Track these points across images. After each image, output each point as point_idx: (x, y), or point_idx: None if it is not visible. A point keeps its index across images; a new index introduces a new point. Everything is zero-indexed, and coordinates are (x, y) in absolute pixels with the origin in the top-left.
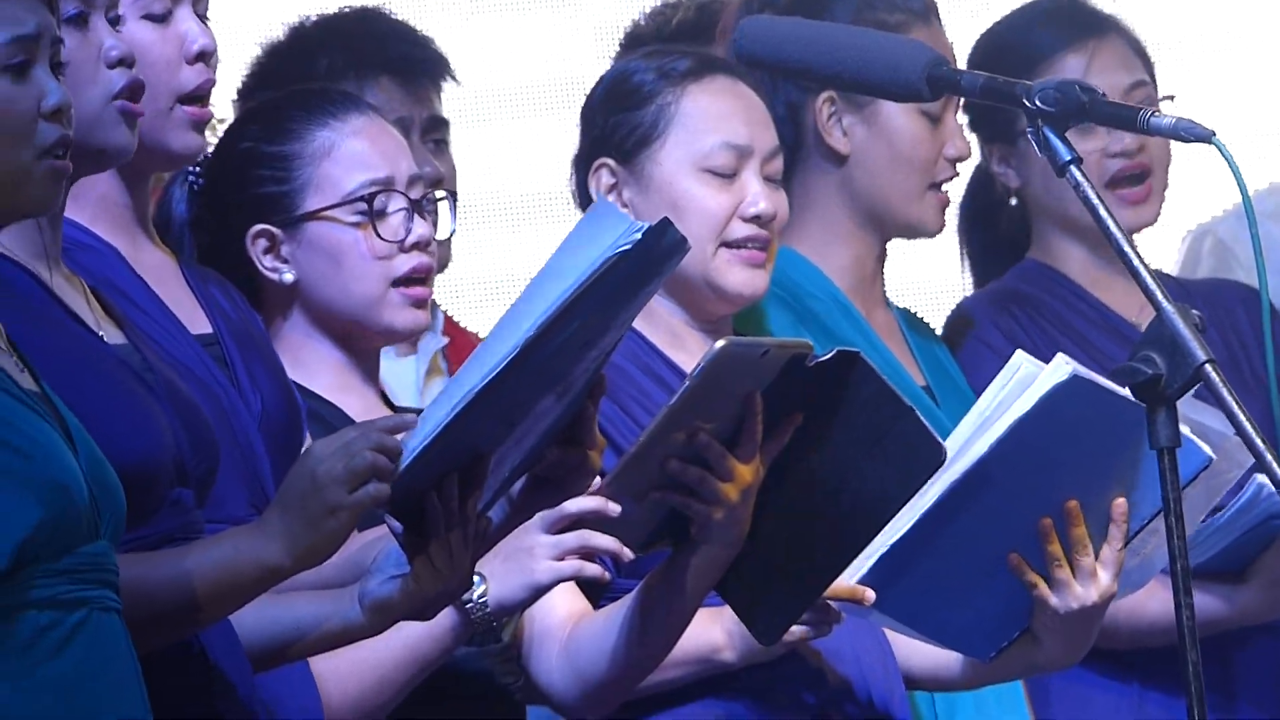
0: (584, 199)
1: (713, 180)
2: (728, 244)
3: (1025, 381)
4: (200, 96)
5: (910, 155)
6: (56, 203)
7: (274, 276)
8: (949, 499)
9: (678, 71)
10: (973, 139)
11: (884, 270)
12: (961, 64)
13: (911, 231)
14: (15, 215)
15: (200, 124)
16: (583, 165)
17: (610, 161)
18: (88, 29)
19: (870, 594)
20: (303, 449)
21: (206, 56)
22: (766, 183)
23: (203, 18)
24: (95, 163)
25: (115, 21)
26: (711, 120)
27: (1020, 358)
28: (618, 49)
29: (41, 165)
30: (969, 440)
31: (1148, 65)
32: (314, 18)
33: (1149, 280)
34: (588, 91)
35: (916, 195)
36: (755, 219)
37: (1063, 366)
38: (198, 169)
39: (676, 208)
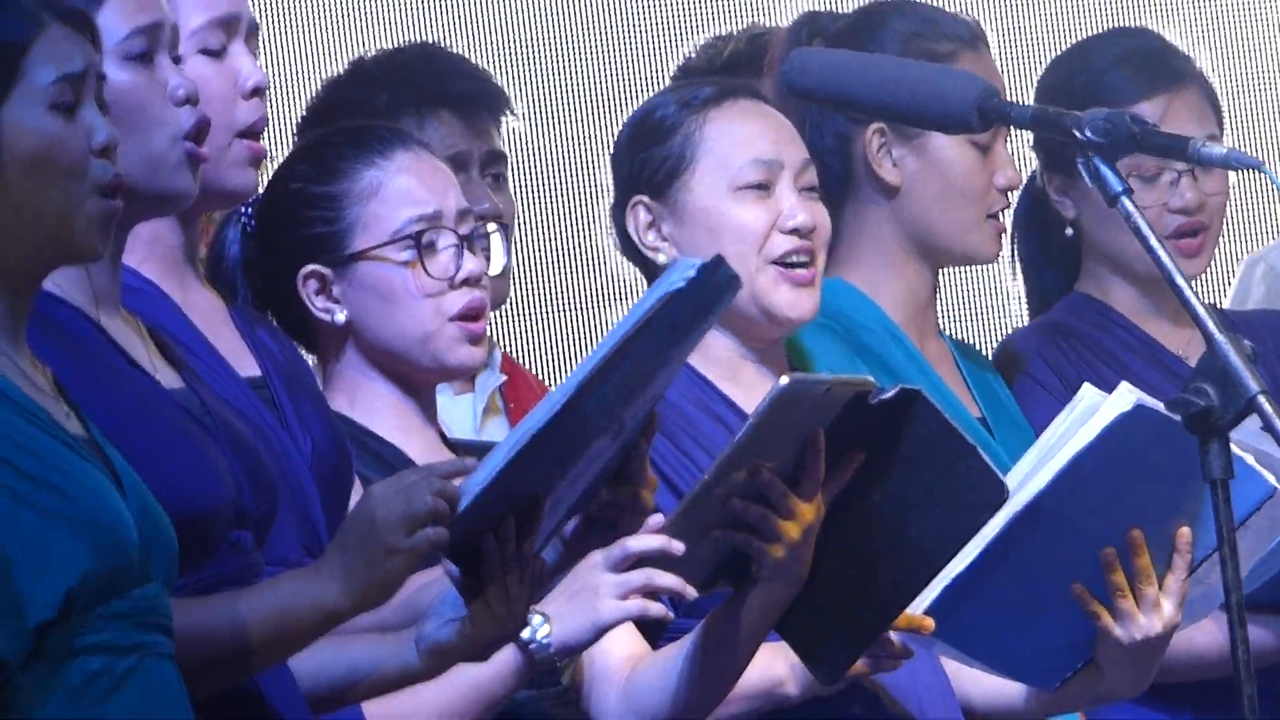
0: (624, 242)
1: (747, 197)
2: (773, 262)
3: (1089, 412)
4: (256, 132)
5: (962, 186)
6: (107, 245)
7: (326, 317)
8: (1013, 529)
9: (699, 100)
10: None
11: (936, 300)
12: (1028, 88)
13: (967, 260)
14: (67, 258)
15: (256, 160)
16: (619, 209)
17: (644, 198)
18: (153, 67)
19: (931, 623)
20: (352, 491)
21: (260, 92)
22: (803, 194)
23: (253, 54)
24: (155, 208)
25: (177, 60)
26: (738, 140)
27: (1086, 389)
28: (671, 82)
29: (92, 205)
30: (1033, 470)
31: (1219, 117)
32: (373, 53)
33: (1200, 311)
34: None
35: (972, 225)
36: (795, 231)
37: (1126, 396)
38: (250, 210)
39: (714, 231)
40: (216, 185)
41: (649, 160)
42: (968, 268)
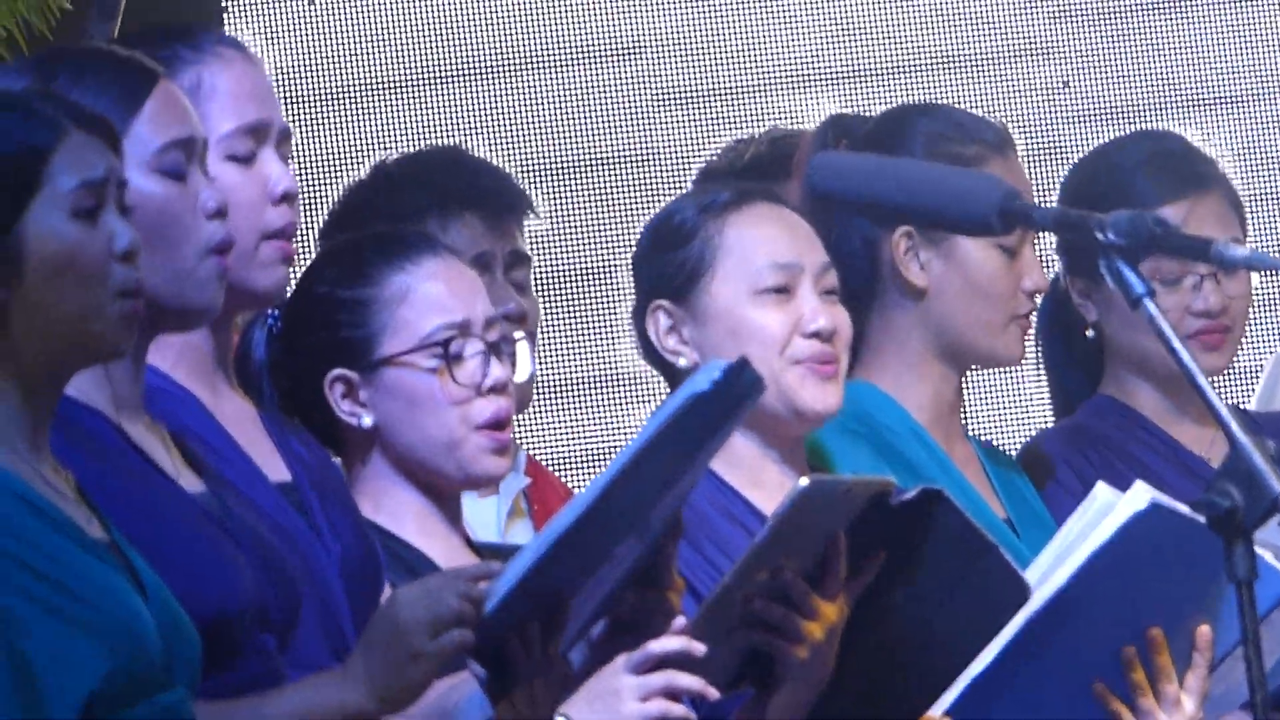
0: (645, 347)
1: (768, 301)
2: (796, 361)
3: (1104, 510)
4: (285, 236)
5: (988, 290)
6: (129, 345)
7: (352, 421)
8: (1031, 629)
9: (717, 204)
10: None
11: (962, 402)
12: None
13: (993, 362)
14: (87, 359)
15: (286, 260)
16: (639, 314)
17: (664, 303)
18: (185, 180)
19: None
20: (383, 596)
21: (290, 198)
22: (823, 298)
23: (285, 159)
24: (180, 322)
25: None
26: (757, 244)
27: (1101, 488)
28: (693, 185)
29: (114, 306)
30: (1050, 570)
31: (1242, 220)
32: (395, 156)
33: (1224, 413)
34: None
35: (998, 328)
36: (816, 335)
37: (1142, 495)
38: (276, 312)
39: (736, 335)
40: (245, 286)
41: (669, 265)
42: (992, 370)
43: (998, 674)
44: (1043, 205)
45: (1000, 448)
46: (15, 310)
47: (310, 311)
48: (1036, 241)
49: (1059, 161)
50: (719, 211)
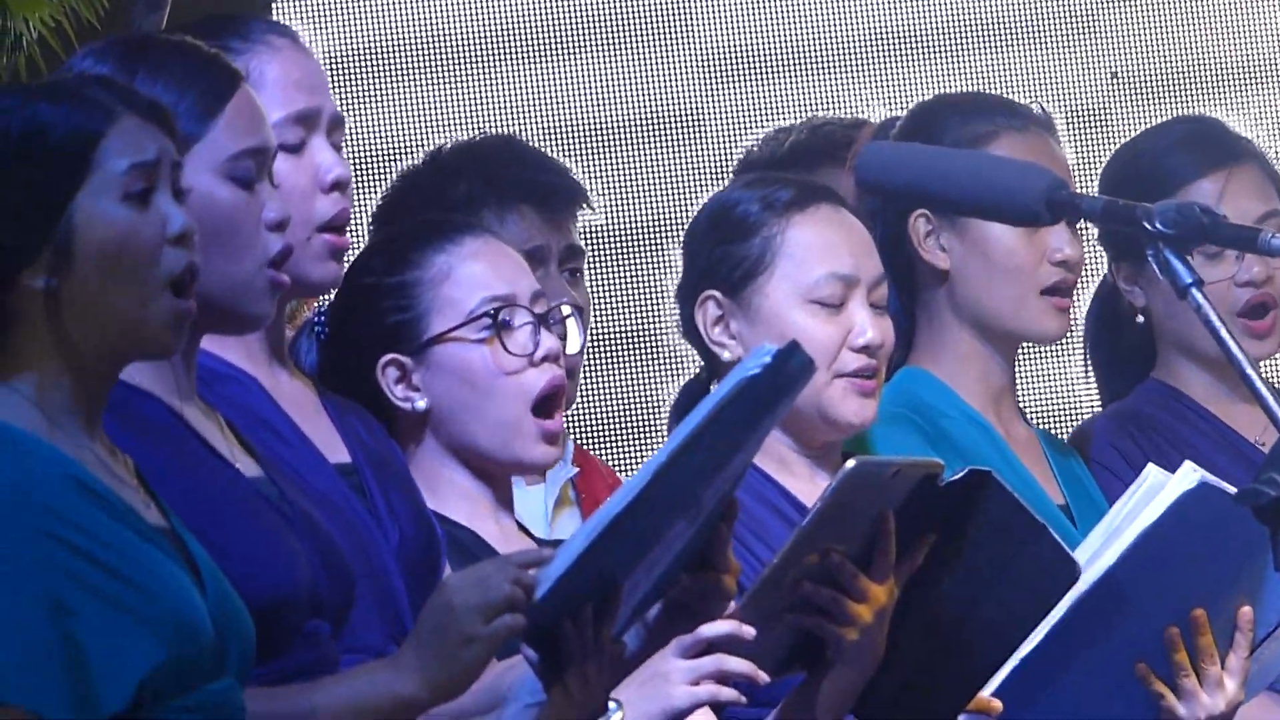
0: (688, 330)
1: (820, 311)
2: (840, 374)
3: (1153, 490)
4: (337, 225)
5: (1006, 264)
6: (179, 345)
7: (406, 405)
8: (1079, 609)
9: (781, 202)
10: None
11: (1015, 384)
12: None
13: (1028, 339)
14: (139, 355)
15: (339, 252)
16: (688, 297)
17: (716, 294)
18: (253, 190)
19: (998, 705)
20: (441, 578)
21: (342, 186)
22: (873, 310)
23: (337, 147)
24: (230, 326)
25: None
26: (817, 251)
27: (1152, 469)
28: (732, 174)
29: (165, 303)
30: (1098, 550)
31: None
32: (450, 145)
33: (1271, 401)
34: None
35: (1022, 302)
36: (864, 349)
37: (1190, 475)
38: (323, 317)
39: (785, 340)
40: (300, 277)
41: (726, 257)
42: (1040, 355)
43: (1045, 655)
44: (1090, 195)
45: (1059, 436)
46: (66, 298)
47: (357, 303)
48: (1084, 229)
49: (1106, 146)
50: (782, 210)
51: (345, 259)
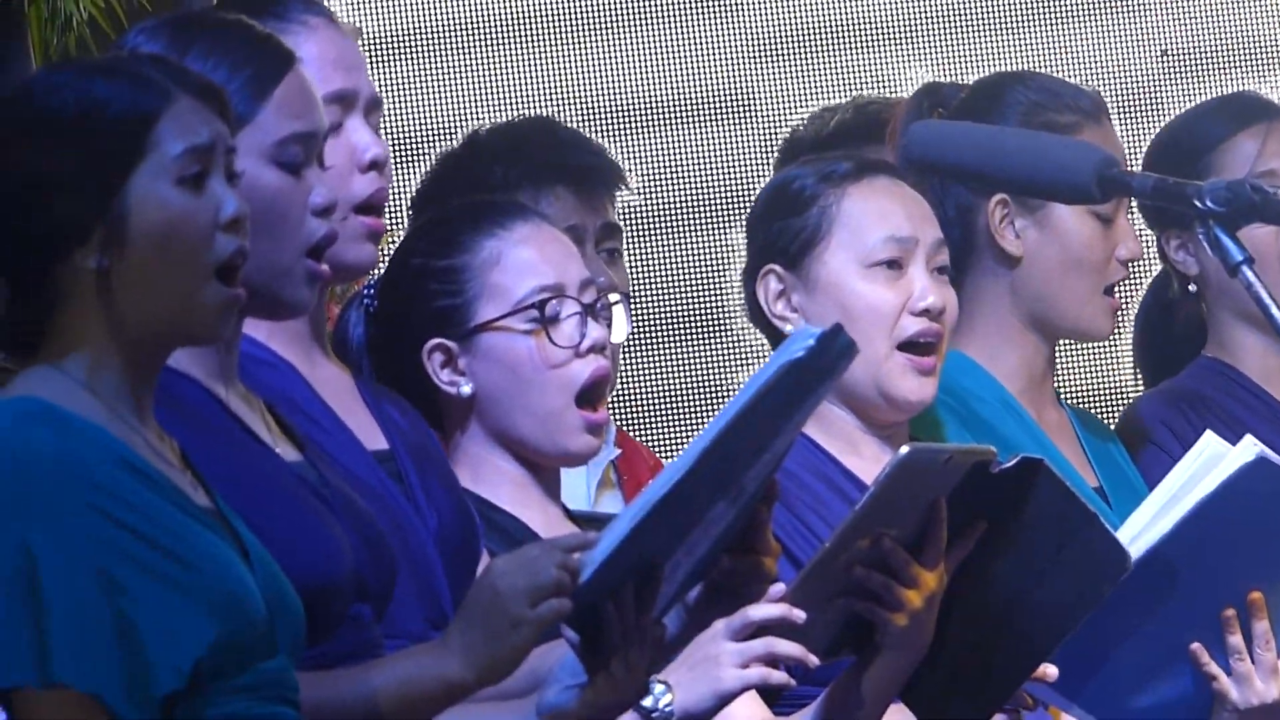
0: (753, 309)
1: (880, 276)
2: (901, 346)
3: (1212, 461)
4: (374, 206)
5: (1082, 257)
6: (226, 332)
7: (451, 390)
8: (1133, 579)
9: (838, 174)
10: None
11: (1054, 370)
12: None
13: (1080, 335)
14: (187, 341)
15: (375, 235)
16: (750, 275)
17: (776, 267)
18: (301, 175)
19: (1053, 671)
20: (480, 565)
21: (379, 166)
22: (934, 275)
23: (374, 128)
24: (269, 312)
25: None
26: (873, 217)
27: (1209, 438)
28: (777, 156)
29: (213, 291)
30: (1153, 519)
31: None
32: (488, 127)
33: None
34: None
35: (1087, 298)
36: (925, 313)
37: (1250, 448)
38: (372, 290)
39: (845, 308)
40: (336, 259)
41: (785, 231)
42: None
43: (1098, 626)
44: (1140, 173)
45: (1095, 415)
46: (117, 280)
47: (405, 284)
48: (1131, 210)
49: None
50: (839, 181)
51: (382, 243)
